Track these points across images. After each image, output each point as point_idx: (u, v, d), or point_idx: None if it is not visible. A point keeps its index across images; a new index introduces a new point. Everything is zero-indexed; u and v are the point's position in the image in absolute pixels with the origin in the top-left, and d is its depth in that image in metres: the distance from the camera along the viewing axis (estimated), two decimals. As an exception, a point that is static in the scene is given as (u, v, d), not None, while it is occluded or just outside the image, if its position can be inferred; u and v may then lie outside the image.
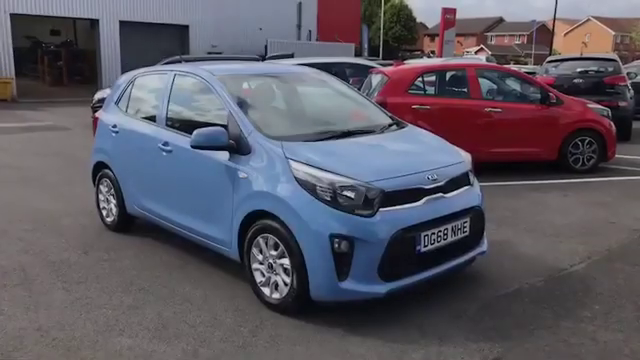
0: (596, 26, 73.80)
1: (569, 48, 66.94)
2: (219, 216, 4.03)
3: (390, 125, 4.47)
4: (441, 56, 33.21)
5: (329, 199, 3.38)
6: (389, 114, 4.72)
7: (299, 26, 33.16)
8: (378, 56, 42.59)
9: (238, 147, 3.86)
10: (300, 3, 32.59)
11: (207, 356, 3.16)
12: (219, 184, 3.99)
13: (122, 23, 24.21)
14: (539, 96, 7.85)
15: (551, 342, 3.30)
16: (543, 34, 64.48)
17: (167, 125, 4.61)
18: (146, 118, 4.95)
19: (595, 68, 11.23)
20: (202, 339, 3.35)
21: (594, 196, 6.75)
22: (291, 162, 3.56)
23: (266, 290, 3.74)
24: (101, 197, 5.59)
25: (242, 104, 4.07)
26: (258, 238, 3.72)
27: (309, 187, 3.43)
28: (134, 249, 4.95)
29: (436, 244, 3.59)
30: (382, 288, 3.40)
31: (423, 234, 3.50)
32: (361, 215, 3.36)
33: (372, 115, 4.64)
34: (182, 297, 3.95)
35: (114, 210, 5.40)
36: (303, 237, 3.38)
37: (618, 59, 11.34)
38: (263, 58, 15.41)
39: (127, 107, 5.26)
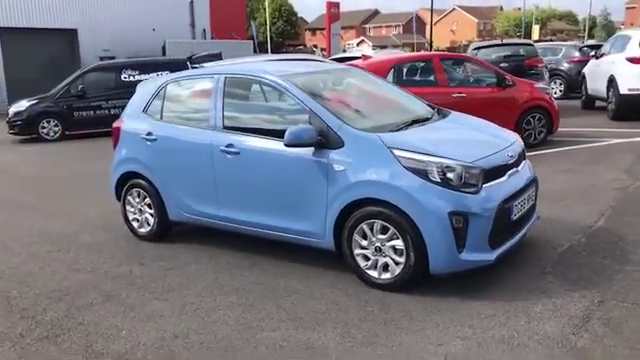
0: (461, 15, 79.56)
1: (439, 36, 71.37)
2: (308, 210, 4.21)
3: (436, 112, 4.87)
4: (329, 50, 34.28)
5: (439, 180, 3.73)
6: (427, 102, 5.14)
7: (192, 25, 32.58)
8: (267, 52, 42.87)
9: (327, 142, 4.07)
10: (192, 2, 32.01)
11: (363, 335, 3.39)
12: (307, 179, 4.17)
13: (1, 30, 22.38)
14: (495, 80, 8.68)
15: (630, 282, 3.91)
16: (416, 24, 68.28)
17: (225, 128, 4.66)
18: (191, 123, 4.95)
19: (513, 52, 12.44)
20: (344, 322, 3.56)
21: (561, 165, 7.64)
22: (395, 151, 3.86)
23: (373, 272, 4.01)
24: (130, 209, 5.46)
25: (317, 101, 4.27)
26: (362, 225, 3.97)
27: (420, 172, 3.75)
28: (189, 255, 4.94)
29: (520, 212, 4.08)
30: (492, 255, 3.82)
31: (514, 204, 3.97)
32: (470, 192, 3.74)
33: (417, 104, 5.01)
34: (285, 290, 4.09)
35: (150, 220, 5.32)
36: (422, 218, 3.70)
37: (533, 43, 12.67)
38: (190, 59, 15.17)
39: (161, 114, 5.19)
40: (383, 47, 61.28)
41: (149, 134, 5.15)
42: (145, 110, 5.31)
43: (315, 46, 65.24)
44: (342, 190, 4.00)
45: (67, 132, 13.66)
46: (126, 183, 5.45)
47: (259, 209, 4.51)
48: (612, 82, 10.99)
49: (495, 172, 3.93)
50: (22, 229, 6.02)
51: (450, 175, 3.74)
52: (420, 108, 4.91)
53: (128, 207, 5.48)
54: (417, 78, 8.75)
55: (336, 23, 36.26)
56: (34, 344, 3.50)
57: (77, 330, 3.66)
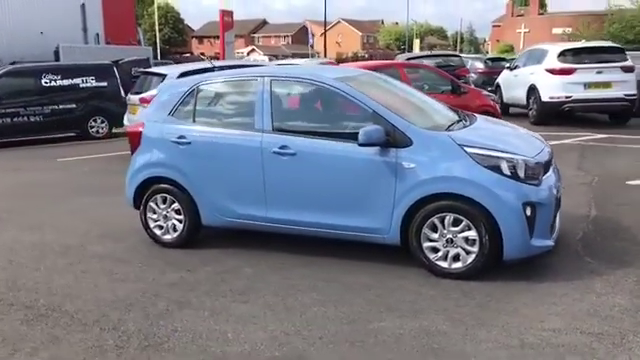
0: (345, 27, 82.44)
1: (326, 47, 73.41)
2: (372, 207, 4.38)
3: (462, 115, 5.25)
4: (224, 58, 34.14)
5: (510, 174, 4.10)
6: (449, 106, 5.51)
7: (85, 29, 30.86)
8: (157, 58, 41.65)
9: (394, 141, 4.28)
10: (83, 4, 30.31)
11: (469, 319, 3.63)
12: (372, 177, 4.34)
13: None
14: (450, 87, 9.35)
15: (656, 260, 4.55)
16: (302, 35, 70.00)
17: (275, 130, 4.69)
18: (233, 125, 4.92)
19: (441, 63, 13.36)
20: (443, 309, 3.78)
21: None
22: (466, 148, 4.17)
23: (443, 263, 4.27)
24: (152, 215, 5.26)
25: (379, 103, 4.47)
26: (432, 218, 4.22)
27: (493, 167, 4.09)
28: (235, 259, 4.85)
29: (561, 202, 4.57)
30: (551, 241, 4.26)
31: (560, 194, 4.45)
32: (534, 184, 4.15)
33: (443, 107, 5.35)
34: (360, 286, 4.21)
35: (178, 226, 5.17)
36: (499, 209, 4.03)
37: (460, 55, 13.70)
38: (116, 64, 14.49)
39: (194, 117, 5.07)
40: (275, 56, 61.89)
41: (181, 137, 5.02)
42: (172, 113, 5.15)
43: (202, 54, 64.18)
44: (413, 187, 4.23)
45: (-21, 141, 12.46)
46: (148, 189, 5.24)
47: (317, 209, 4.59)
48: (533, 91, 12.20)
49: (546, 167, 4.39)
50: (15, 243, 5.55)
51: (518, 169, 4.12)
52: (448, 110, 5.27)
53: (150, 214, 5.27)
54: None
55: (230, 31, 36.00)
56: (141, 353, 3.35)
57: (176, 337, 3.54)
